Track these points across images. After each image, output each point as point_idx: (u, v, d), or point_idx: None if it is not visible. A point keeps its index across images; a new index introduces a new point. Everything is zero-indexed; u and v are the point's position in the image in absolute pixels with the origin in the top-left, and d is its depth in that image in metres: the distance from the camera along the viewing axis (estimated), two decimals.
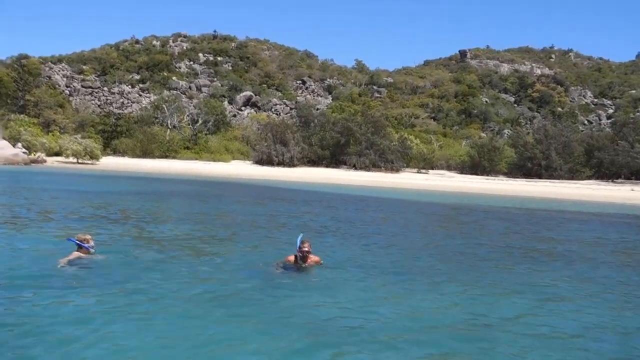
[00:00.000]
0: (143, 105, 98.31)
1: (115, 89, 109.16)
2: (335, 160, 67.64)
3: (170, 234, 12.73)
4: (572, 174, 61.77)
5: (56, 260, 8.30)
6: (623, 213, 28.28)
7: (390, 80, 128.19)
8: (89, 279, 7.56)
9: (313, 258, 8.78)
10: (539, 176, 60.64)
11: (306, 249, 8.57)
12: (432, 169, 68.47)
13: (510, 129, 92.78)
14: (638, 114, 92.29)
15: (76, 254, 8.41)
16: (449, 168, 69.97)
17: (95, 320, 5.78)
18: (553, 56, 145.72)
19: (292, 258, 8.70)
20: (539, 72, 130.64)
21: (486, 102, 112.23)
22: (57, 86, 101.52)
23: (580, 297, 8.30)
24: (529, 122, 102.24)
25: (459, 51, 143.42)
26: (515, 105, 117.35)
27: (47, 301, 6.35)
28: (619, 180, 58.23)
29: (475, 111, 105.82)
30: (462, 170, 67.37)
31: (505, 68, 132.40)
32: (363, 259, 10.42)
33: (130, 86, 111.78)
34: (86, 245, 8.48)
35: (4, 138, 49.30)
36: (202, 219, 16.85)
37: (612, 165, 60.10)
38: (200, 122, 76.44)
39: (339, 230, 15.23)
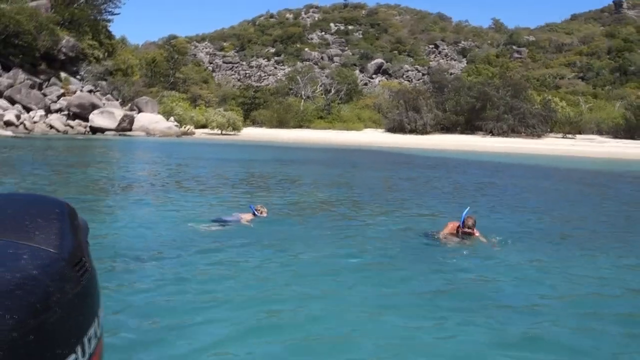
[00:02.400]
0: (278, 78, 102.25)
1: (253, 63, 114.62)
2: (470, 126, 64.92)
3: (316, 200, 13.20)
4: None
5: (230, 216, 9.22)
6: None
7: (531, 38, 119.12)
8: (248, 240, 8.13)
9: (476, 235, 8.07)
10: None
11: (469, 227, 7.96)
12: (580, 134, 62.93)
13: None
14: None
15: (248, 216, 9.29)
16: (600, 132, 63.76)
17: (252, 276, 6.25)
18: None
19: (450, 226, 8.22)
20: None
21: None
22: (201, 63, 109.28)
23: None
24: None
25: (613, 1, 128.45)
26: None
27: (216, 257, 6.98)
28: None
29: (633, 68, 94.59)
30: (615, 135, 61.04)
31: None
32: (514, 229, 9.93)
33: (266, 60, 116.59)
34: (258, 215, 9.38)
35: (158, 113, 54.37)
36: (343, 185, 17.25)
37: None
38: (332, 91, 77.71)
39: (483, 199, 14.72)
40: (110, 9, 63.21)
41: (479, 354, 4.39)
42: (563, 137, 60.84)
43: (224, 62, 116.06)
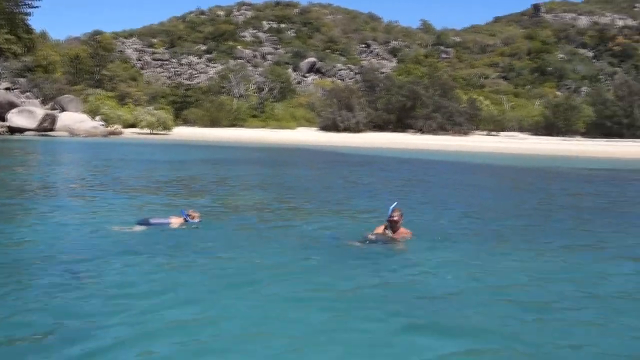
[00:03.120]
0: (210, 76, 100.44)
1: (184, 61, 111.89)
2: (401, 124, 66.59)
3: (247, 201, 13.06)
4: None
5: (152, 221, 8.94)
6: None
7: (458, 39, 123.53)
8: (173, 245, 7.92)
9: (403, 231, 8.26)
10: (620, 135, 57.12)
11: (395, 219, 8.11)
12: (503, 131, 66.04)
13: (589, 87, 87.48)
14: None
15: (179, 220, 8.97)
16: (521, 130, 67.18)
17: (173, 283, 6.09)
18: (638, 5, 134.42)
19: (381, 228, 8.30)
20: (621, 23, 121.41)
21: (562, 58, 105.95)
22: (129, 60, 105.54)
23: None
24: (609, 78, 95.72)
25: (532, 5, 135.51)
26: (594, 60, 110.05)
27: (138, 263, 6.75)
28: None
29: (550, 69, 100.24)
30: (535, 132, 64.54)
31: (583, 21, 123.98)
32: (439, 226, 10.23)
33: (197, 57, 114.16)
34: (190, 220, 9.01)
35: (83, 112, 52.03)
36: (276, 185, 17.17)
37: None
38: (266, 90, 77.26)
39: (411, 196, 15.08)
40: (28, 2, 59.65)
41: (393, 345, 4.55)
42: (488, 135, 63.60)
43: (153, 59, 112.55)
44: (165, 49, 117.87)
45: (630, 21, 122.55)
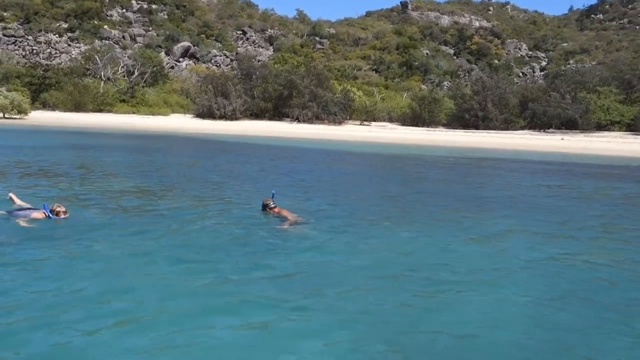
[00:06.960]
0: (73, 56, 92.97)
1: (42, 38, 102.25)
2: (278, 112, 66.97)
3: (120, 187, 12.39)
4: (507, 125, 64.06)
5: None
6: (554, 160, 29.83)
7: (332, 31, 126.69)
8: (38, 236, 7.31)
9: (282, 211, 9.17)
10: (476, 127, 62.50)
11: (267, 204, 9.29)
12: (375, 121, 69.14)
13: (450, 81, 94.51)
14: (569, 66, 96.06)
15: (39, 215, 8.22)
16: (390, 120, 70.83)
17: (54, 274, 5.67)
18: (491, 9, 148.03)
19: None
20: (477, 24, 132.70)
21: (427, 54, 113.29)
22: None
23: (520, 234, 8.84)
24: (467, 74, 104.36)
25: (401, 2, 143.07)
26: (455, 57, 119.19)
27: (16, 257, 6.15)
28: (550, 130, 60.98)
29: (416, 63, 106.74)
30: (403, 122, 68.38)
31: (445, 20, 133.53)
32: (316, 209, 10.52)
33: (57, 35, 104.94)
34: (53, 217, 8.17)
35: None
36: (150, 172, 16.42)
37: (544, 116, 62.55)
38: (136, 74, 73.25)
39: (289, 182, 15.29)
40: None
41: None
42: (360, 124, 66.20)
43: (4, 35, 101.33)
44: (19, 24, 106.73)
45: (485, 23, 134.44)
